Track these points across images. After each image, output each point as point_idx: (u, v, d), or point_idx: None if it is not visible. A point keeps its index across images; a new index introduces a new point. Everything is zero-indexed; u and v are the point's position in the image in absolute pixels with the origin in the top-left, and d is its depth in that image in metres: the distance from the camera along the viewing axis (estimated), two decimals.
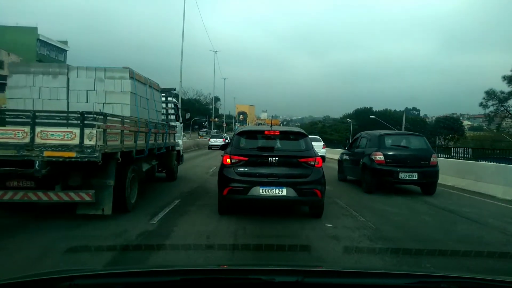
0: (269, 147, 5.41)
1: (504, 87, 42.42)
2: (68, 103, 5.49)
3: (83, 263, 3.36)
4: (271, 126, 6.02)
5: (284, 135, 5.76)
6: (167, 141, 7.61)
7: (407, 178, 7.72)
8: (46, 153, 4.18)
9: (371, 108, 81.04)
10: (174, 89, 9.71)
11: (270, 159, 5.18)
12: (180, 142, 9.84)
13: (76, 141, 4.21)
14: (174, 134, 8.53)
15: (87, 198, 4.55)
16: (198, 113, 68.33)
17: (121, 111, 5.43)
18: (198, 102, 79.36)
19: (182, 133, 10.62)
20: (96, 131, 4.22)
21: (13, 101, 5.45)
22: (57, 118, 4.38)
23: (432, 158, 7.95)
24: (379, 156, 7.79)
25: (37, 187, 4.58)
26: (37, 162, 4.18)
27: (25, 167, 4.27)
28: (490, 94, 44.98)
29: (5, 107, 5.50)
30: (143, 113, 6.20)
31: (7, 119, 4.33)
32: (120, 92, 5.52)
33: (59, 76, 5.47)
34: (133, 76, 5.74)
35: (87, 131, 4.20)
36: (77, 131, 4.21)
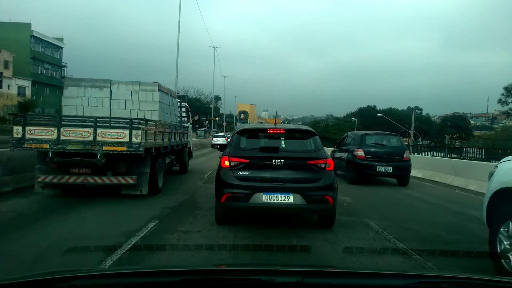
0: (273, 147, 5.09)
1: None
2: (110, 109, 7.38)
3: (83, 263, 3.53)
4: (275, 123, 5.69)
5: (291, 134, 5.54)
6: (182, 139, 9.66)
7: (383, 171, 9.70)
8: (105, 148, 6.06)
9: (375, 106, 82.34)
10: (187, 96, 12.03)
11: (275, 161, 4.86)
12: (190, 140, 11.93)
13: (126, 139, 6.05)
14: (186, 133, 10.59)
15: (131, 181, 6.47)
16: (198, 112, 70.71)
17: (151, 116, 7.28)
18: (198, 101, 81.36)
19: (192, 132, 12.72)
20: (141, 132, 6.09)
21: (67, 108, 7.44)
22: (113, 122, 6.23)
23: (405, 154, 9.92)
24: (360, 152, 9.77)
25: (93, 173, 6.46)
26: (99, 154, 6.07)
27: (88, 158, 6.21)
28: (510, 90, 45.16)
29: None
30: (166, 117, 8.17)
31: (75, 123, 6.26)
32: (151, 101, 7.44)
33: (104, 89, 7.39)
34: (160, 89, 7.71)
35: (134, 132, 6.02)
36: (127, 132, 6.05)
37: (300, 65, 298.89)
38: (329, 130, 72.61)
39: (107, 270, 1.96)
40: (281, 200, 4.75)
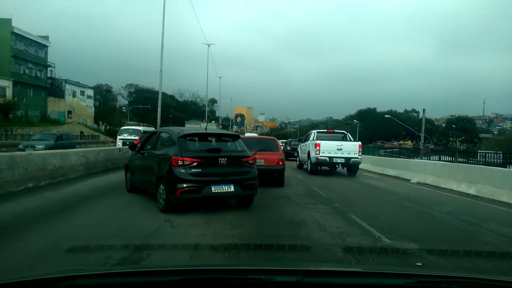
0: (215, 148, 7.05)
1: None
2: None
3: (83, 263, 3.94)
4: (205, 129, 7.68)
5: (223, 138, 7.86)
6: None
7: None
8: None
9: (375, 109, 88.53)
10: (219, 123, 26.49)
11: (220, 160, 6.71)
12: None
13: None
14: None
15: None
16: (194, 115, 75.75)
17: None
18: (194, 104, 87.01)
19: None
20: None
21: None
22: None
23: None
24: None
25: None
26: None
27: None
28: None
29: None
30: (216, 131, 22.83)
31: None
32: (215, 127, 28.32)
33: (198, 124, 27.27)
34: (216, 124, 24.43)
35: None
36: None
37: (296, 69, 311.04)
38: None
39: (107, 270, 2.13)
40: (225, 190, 6.68)
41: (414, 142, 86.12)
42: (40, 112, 52.58)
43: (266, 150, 10.75)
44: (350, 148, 15.85)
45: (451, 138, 74.77)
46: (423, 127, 38.86)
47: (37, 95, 52.49)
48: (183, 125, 67.53)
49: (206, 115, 65.05)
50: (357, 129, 66.60)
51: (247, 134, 53.47)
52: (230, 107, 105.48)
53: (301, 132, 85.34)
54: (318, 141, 15.87)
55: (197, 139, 7.36)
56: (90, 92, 66.57)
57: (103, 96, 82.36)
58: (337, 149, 15.67)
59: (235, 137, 7.95)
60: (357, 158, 15.69)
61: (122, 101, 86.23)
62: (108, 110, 71.90)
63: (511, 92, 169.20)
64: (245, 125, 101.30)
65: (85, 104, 63.74)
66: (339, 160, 15.70)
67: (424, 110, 39.34)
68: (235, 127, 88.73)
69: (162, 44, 23.85)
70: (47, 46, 54.26)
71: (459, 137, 72.96)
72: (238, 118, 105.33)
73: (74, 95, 60.83)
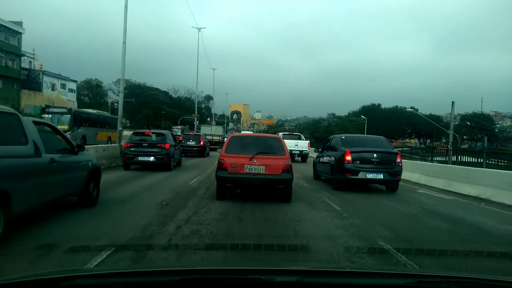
0: (145, 139, 14.98)
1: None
2: (211, 131, 39.47)
3: (83, 263, 3.87)
4: (147, 129, 17.14)
5: (155, 134, 15.74)
6: (223, 138, 36.49)
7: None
8: (214, 139, 37.01)
9: (379, 105, 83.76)
10: (222, 123, 37.07)
11: (144, 144, 14.60)
12: (224, 139, 29.26)
13: (218, 138, 38.55)
14: (224, 136, 38.84)
15: (218, 147, 33.28)
16: (188, 111, 71.26)
17: (220, 132, 40.89)
18: (189, 101, 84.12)
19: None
20: (222, 136, 39.49)
21: (202, 131, 38.99)
22: (216, 135, 39.90)
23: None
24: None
25: (211, 145, 32.52)
26: (213, 141, 35.83)
27: (211, 141, 34.83)
28: None
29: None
30: (223, 132, 43.00)
31: (209, 134, 37.74)
32: (220, 129, 43.16)
33: (210, 127, 43.33)
34: (222, 126, 49.17)
35: (220, 136, 39.11)
36: (220, 136, 39.15)
37: (294, 66, 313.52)
38: (333, 130, 69.02)
39: (107, 270, 2.04)
40: (146, 159, 14.45)
41: (421, 141, 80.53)
42: (12, 106, 46.20)
43: (268, 153, 8.50)
44: (303, 144, 25.74)
45: (464, 136, 68.99)
46: (452, 123, 32.74)
47: (8, 87, 47.04)
48: (176, 122, 66.52)
49: (196, 109, 57.63)
50: (365, 126, 60.35)
51: (243, 132, 51.60)
52: (226, 103, 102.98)
53: (299, 129, 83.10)
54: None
55: (141, 134, 15.62)
56: (73, 86, 61.50)
57: (92, 91, 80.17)
58: (295, 145, 24.91)
59: (163, 134, 15.79)
60: (307, 150, 25.72)
61: (114, 96, 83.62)
62: (93, 106, 65.77)
63: (511, 90, 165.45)
64: (241, 122, 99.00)
65: (67, 99, 58.76)
66: (296, 152, 24.57)
67: (453, 103, 32.62)
68: (231, 124, 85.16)
69: (126, 7, 18.67)
70: (20, 33, 48.90)
71: (474, 135, 67.25)
72: (234, 115, 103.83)
73: (53, 88, 56.18)
